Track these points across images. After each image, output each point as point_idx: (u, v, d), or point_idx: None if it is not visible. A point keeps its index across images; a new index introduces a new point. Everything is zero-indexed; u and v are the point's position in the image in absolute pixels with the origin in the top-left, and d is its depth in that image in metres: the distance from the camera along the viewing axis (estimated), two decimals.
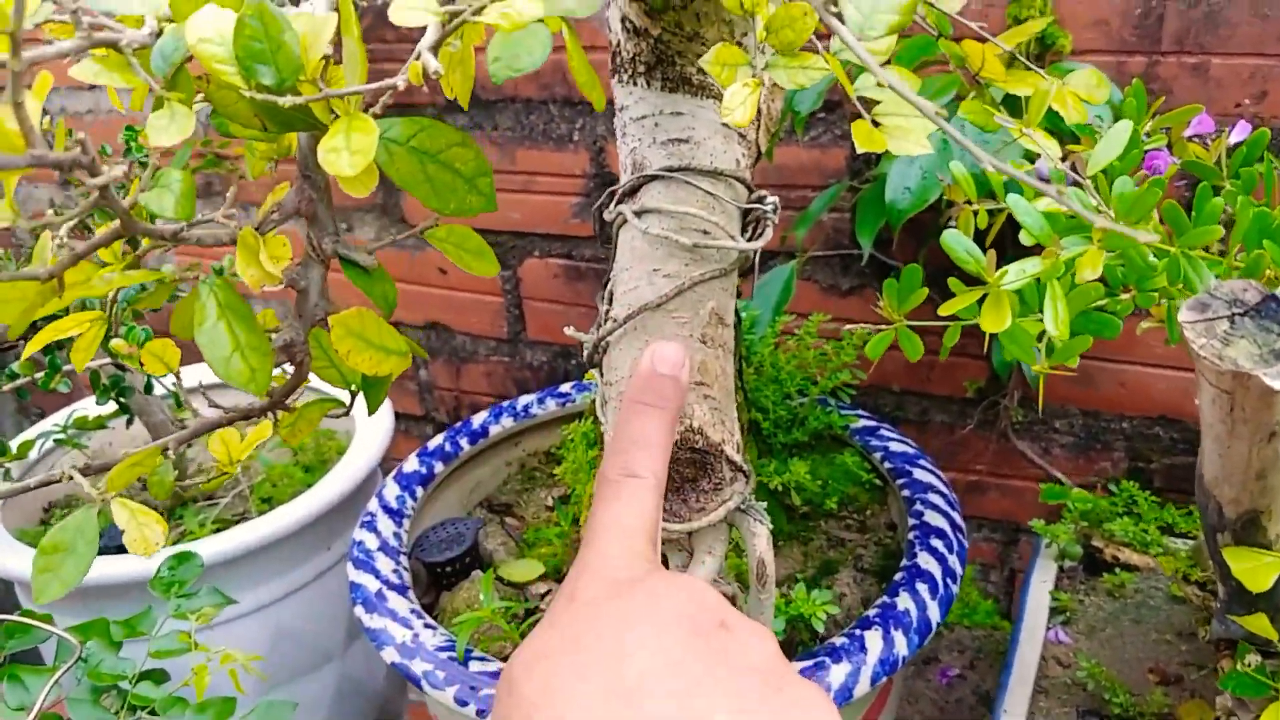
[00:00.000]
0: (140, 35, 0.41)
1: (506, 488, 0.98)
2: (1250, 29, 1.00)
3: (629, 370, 0.67)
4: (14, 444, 1.04)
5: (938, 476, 0.84)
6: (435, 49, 0.39)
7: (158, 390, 1.06)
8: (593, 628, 0.41)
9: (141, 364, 0.52)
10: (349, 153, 0.38)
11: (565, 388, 1.03)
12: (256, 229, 0.45)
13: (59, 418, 1.13)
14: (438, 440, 0.95)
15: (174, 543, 0.99)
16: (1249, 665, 0.55)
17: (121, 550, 0.91)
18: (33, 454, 1.09)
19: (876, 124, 0.57)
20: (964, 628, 1.09)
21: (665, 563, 0.71)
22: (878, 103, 0.58)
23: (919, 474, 0.84)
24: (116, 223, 0.40)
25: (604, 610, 0.42)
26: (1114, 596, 0.88)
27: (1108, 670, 0.79)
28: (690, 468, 0.65)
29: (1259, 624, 0.52)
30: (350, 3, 0.41)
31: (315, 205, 0.45)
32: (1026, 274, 0.52)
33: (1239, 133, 0.74)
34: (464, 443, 0.95)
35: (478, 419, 0.98)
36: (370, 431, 1.10)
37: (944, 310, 0.56)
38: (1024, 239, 0.61)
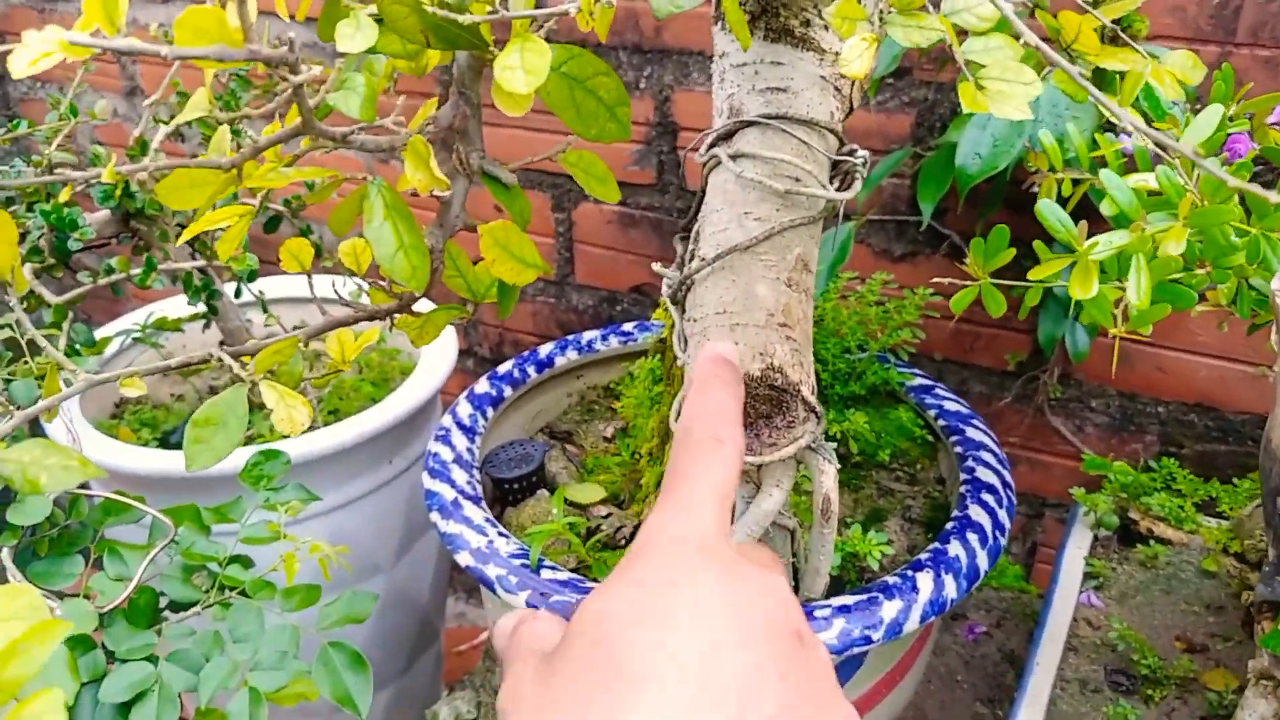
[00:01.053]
0: None
1: (567, 417, 1.02)
2: None
3: (714, 307, 0.71)
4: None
5: (990, 436, 0.87)
6: None
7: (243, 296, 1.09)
8: (683, 599, 0.42)
9: (279, 260, 0.56)
10: (524, 71, 0.41)
11: (628, 327, 1.06)
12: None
13: (138, 316, 1.17)
14: (507, 366, 0.99)
15: (245, 444, 1.04)
16: None
17: None
18: (111, 349, 1.13)
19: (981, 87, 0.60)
20: (991, 589, 1.13)
21: None
22: (983, 66, 0.61)
23: (971, 433, 0.87)
24: (296, 121, 0.43)
25: (698, 582, 0.43)
26: (1146, 567, 0.91)
27: (1137, 634, 0.83)
28: (766, 404, 0.69)
29: None
30: None
31: (468, 121, 0.49)
32: (1114, 245, 0.54)
33: None
34: (531, 371, 0.99)
35: (544, 349, 1.02)
36: (435, 355, 1.14)
37: (1034, 275, 0.59)
38: (1106, 211, 0.64)
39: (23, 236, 0.92)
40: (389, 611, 1.17)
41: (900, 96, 1.29)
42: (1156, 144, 0.61)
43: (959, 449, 0.86)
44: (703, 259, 0.72)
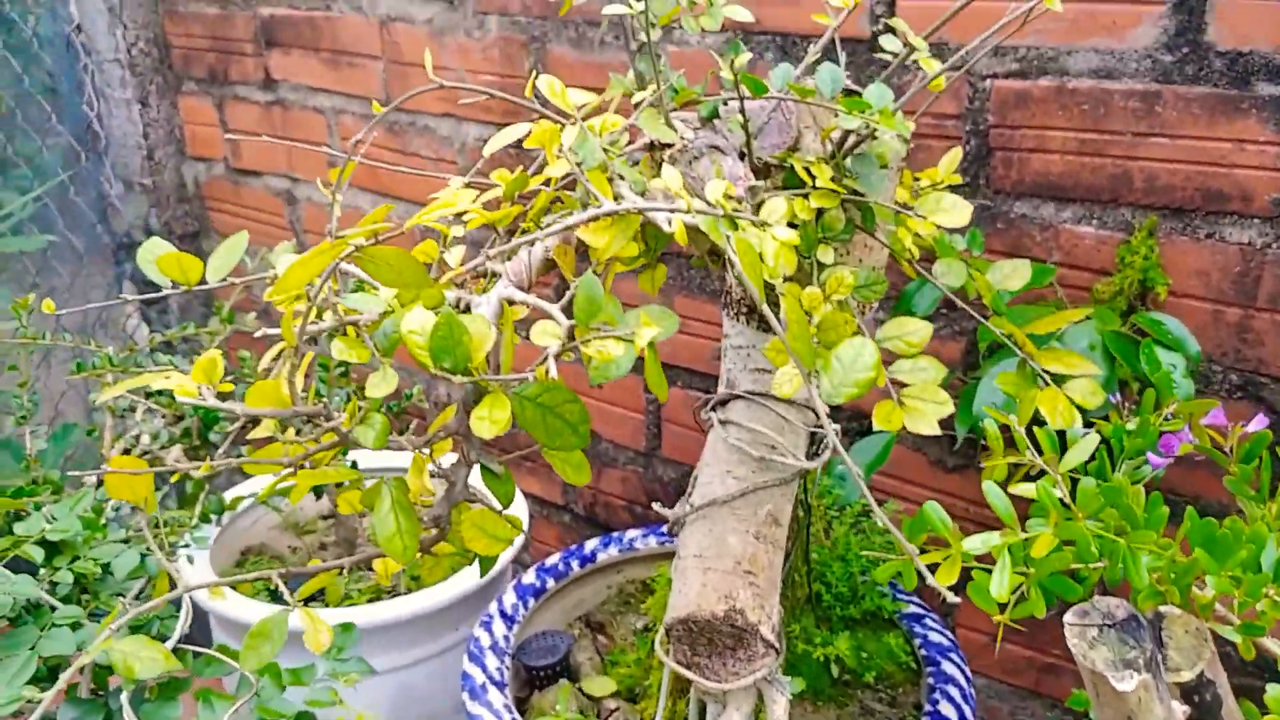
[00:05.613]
0: (370, 317, 0.62)
1: (604, 608, 1.16)
2: None
3: (694, 550, 0.85)
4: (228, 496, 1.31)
5: (963, 672, 0.97)
6: (557, 357, 0.59)
7: None
8: None
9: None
10: (489, 422, 0.57)
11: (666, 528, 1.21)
12: (427, 441, 0.65)
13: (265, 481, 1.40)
14: (554, 559, 1.15)
15: (341, 603, 1.23)
16: None
17: None
18: (242, 506, 1.35)
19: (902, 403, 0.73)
20: None
21: (703, 711, 0.87)
22: (906, 385, 0.74)
23: (946, 666, 0.97)
24: (335, 438, 0.61)
25: None
26: None
27: None
28: (730, 639, 0.82)
29: None
30: (510, 313, 0.61)
31: (469, 430, 0.65)
32: (987, 545, 0.66)
33: (1255, 424, 0.86)
34: (574, 565, 1.14)
35: (589, 545, 1.17)
36: None
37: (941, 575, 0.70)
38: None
39: (178, 419, 1.14)
40: None
41: (953, 326, 1.41)
42: (1043, 464, 0.73)
43: (930, 679, 0.96)
44: (691, 505, 0.87)
